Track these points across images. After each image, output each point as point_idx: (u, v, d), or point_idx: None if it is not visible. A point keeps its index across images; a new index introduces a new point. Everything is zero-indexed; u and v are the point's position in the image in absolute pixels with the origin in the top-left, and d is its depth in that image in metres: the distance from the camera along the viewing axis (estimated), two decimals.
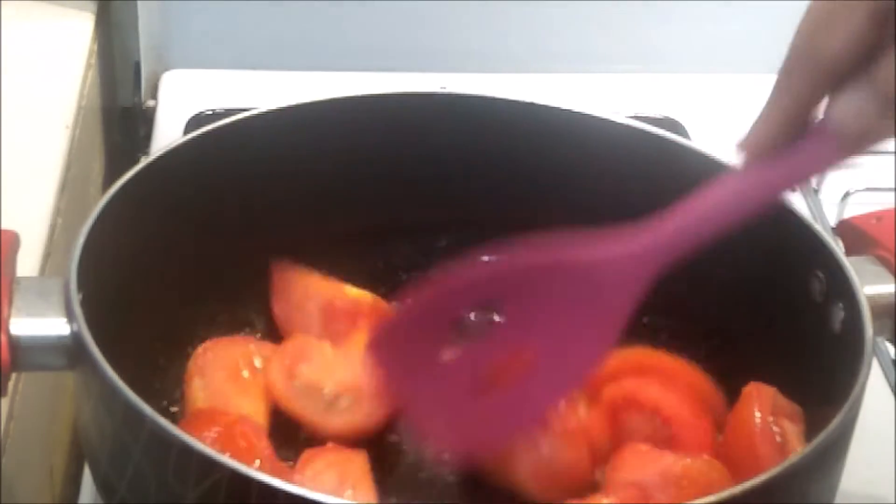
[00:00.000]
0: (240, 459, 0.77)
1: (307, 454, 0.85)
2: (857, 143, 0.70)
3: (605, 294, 0.77)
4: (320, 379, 0.89)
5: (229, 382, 0.88)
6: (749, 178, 0.74)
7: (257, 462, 0.79)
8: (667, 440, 0.85)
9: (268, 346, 0.91)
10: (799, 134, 0.72)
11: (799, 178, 0.75)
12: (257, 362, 0.89)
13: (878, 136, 0.70)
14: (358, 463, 0.85)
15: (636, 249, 0.76)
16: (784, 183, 0.74)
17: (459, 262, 0.80)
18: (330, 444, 0.86)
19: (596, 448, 0.86)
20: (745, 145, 0.73)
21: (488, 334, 0.84)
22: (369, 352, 0.82)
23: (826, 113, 0.71)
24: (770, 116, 0.72)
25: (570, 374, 0.81)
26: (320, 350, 0.91)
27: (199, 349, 0.89)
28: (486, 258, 0.81)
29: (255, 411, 0.86)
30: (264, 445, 0.81)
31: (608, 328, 0.78)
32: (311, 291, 0.94)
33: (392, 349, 0.81)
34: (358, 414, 0.88)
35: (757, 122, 0.73)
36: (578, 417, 0.85)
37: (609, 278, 0.76)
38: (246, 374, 0.88)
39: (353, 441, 0.86)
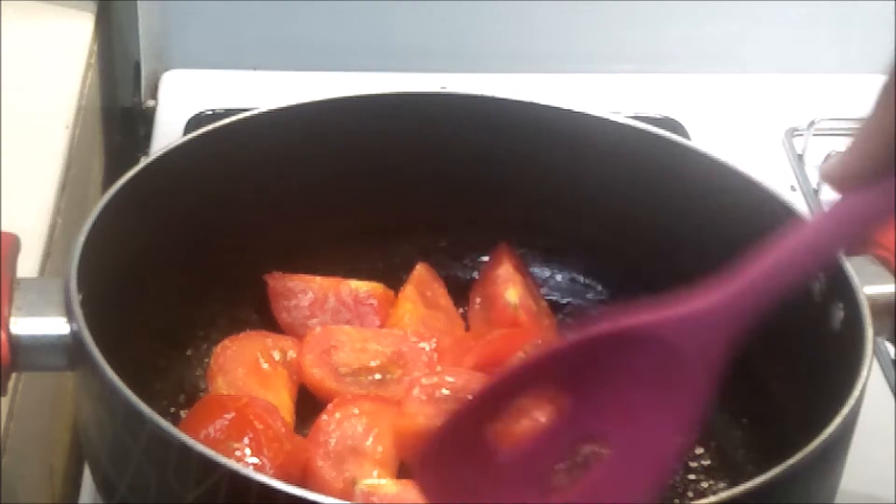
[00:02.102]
0: (260, 440, 0.79)
1: (340, 399, 0.85)
2: None
3: (684, 363, 0.65)
4: (360, 359, 0.90)
5: (251, 376, 0.88)
6: (843, 210, 0.65)
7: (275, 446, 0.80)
8: None
9: (285, 340, 0.92)
10: None
11: None
12: (276, 355, 0.90)
13: None
14: (394, 417, 0.85)
15: (720, 299, 0.65)
16: (881, 216, 0.64)
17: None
18: (372, 395, 0.87)
19: None
20: (836, 171, 0.64)
21: (548, 427, 0.71)
22: (420, 470, 0.70)
23: None
24: (869, 138, 0.62)
25: (644, 470, 0.68)
26: (345, 334, 0.91)
27: (218, 348, 0.90)
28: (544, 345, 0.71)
29: (281, 402, 0.87)
30: (280, 424, 0.81)
31: (687, 410, 0.66)
32: (317, 292, 0.94)
33: (445, 461, 0.69)
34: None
35: (853, 145, 0.63)
36: None
37: (688, 341, 0.65)
38: (266, 366, 0.89)
39: None
